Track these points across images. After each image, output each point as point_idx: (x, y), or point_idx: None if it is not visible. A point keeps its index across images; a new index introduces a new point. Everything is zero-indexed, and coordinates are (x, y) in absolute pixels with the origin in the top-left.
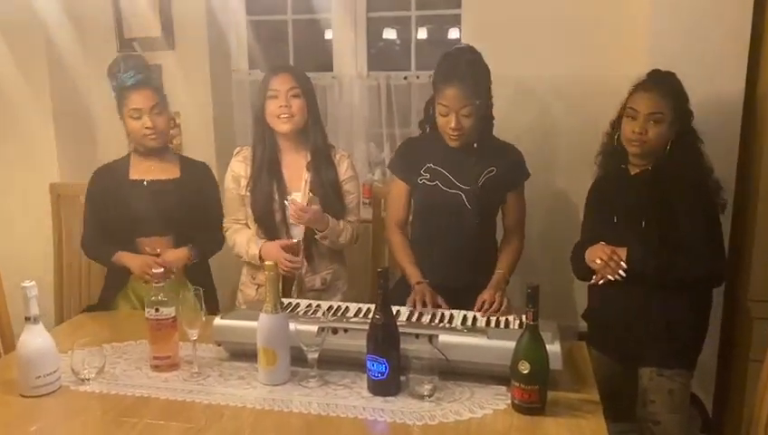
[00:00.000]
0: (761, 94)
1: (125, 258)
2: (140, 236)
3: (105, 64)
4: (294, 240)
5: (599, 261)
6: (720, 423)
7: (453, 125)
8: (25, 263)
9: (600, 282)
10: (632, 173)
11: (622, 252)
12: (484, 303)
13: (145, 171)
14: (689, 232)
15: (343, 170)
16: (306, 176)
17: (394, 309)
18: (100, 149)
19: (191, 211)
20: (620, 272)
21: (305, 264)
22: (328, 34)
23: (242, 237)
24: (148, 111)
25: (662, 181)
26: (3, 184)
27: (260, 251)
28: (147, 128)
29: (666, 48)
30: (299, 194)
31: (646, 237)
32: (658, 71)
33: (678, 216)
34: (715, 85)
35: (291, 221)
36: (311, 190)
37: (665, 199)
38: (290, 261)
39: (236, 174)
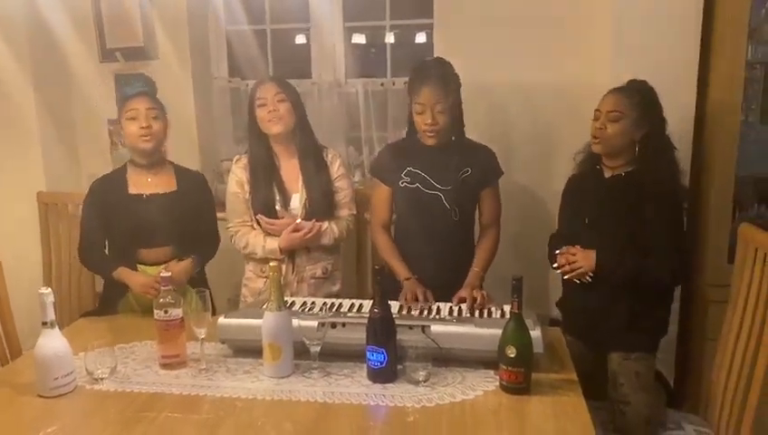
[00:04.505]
0: (710, 104)
1: (126, 276)
2: (141, 247)
3: (88, 76)
4: (298, 220)
5: (567, 267)
6: (682, 397)
7: (429, 121)
8: (14, 272)
9: (566, 277)
10: (606, 176)
11: (591, 253)
12: (462, 300)
13: (143, 185)
14: (657, 239)
15: (335, 169)
16: (301, 179)
17: None
18: (82, 159)
19: (190, 222)
20: (587, 277)
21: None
22: (303, 41)
23: (256, 238)
24: (144, 113)
25: (633, 186)
26: None
27: (279, 244)
28: (141, 128)
29: (625, 61)
30: (297, 195)
31: (614, 240)
32: (633, 79)
33: (647, 221)
34: (669, 96)
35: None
36: (306, 190)
37: (635, 204)
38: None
39: (240, 178)
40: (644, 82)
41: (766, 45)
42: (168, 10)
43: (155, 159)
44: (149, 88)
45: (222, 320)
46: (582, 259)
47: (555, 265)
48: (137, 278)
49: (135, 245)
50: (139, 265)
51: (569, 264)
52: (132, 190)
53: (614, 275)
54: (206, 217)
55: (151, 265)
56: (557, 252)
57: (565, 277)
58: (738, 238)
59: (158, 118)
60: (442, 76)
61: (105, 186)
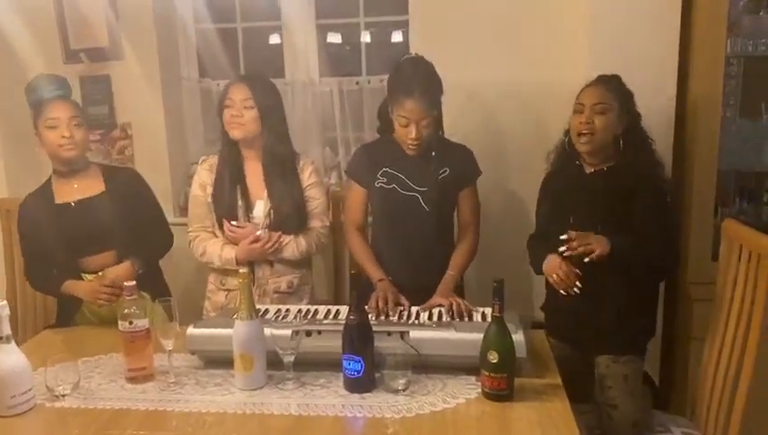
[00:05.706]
0: (691, 99)
1: (73, 288)
2: (83, 256)
3: None
4: (258, 232)
5: (555, 277)
6: (668, 397)
7: (413, 136)
8: None
9: (586, 259)
10: (587, 172)
11: (603, 238)
12: (439, 307)
13: (69, 193)
14: (652, 227)
15: (306, 176)
16: (265, 188)
17: None
18: (45, 164)
19: (125, 221)
20: (575, 290)
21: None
22: (277, 41)
23: (214, 245)
24: (66, 121)
25: (617, 181)
26: None
27: (236, 254)
28: (63, 137)
29: (604, 55)
30: (261, 202)
31: (604, 236)
32: (604, 74)
33: (638, 214)
34: (650, 91)
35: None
36: (270, 198)
37: (622, 198)
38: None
39: (203, 181)
40: (615, 75)
41: (745, 39)
42: (134, 9)
43: (79, 166)
44: (64, 91)
45: (191, 330)
46: (596, 241)
47: (564, 249)
48: (83, 286)
49: (76, 255)
50: (85, 276)
51: (582, 245)
52: (59, 200)
53: (627, 257)
54: (145, 213)
55: (97, 272)
56: (563, 238)
57: (585, 260)
58: (722, 235)
59: (80, 126)
60: (428, 87)
61: (33, 202)
